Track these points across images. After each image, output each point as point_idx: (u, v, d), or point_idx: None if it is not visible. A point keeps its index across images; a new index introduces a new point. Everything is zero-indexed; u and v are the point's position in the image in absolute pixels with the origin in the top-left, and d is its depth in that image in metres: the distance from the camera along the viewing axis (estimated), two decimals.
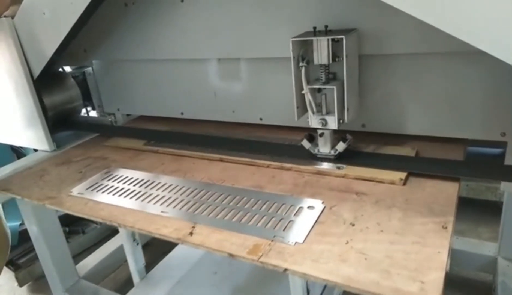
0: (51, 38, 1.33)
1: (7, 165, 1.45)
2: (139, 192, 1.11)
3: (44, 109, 1.48)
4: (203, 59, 1.40)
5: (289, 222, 0.89)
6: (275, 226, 0.88)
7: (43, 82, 1.48)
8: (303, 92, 1.04)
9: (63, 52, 1.42)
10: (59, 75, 1.72)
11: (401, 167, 1.02)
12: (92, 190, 1.15)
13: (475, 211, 2.14)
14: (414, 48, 1.04)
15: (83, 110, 1.86)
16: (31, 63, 1.40)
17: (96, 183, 1.19)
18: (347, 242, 0.78)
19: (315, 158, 1.12)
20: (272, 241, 0.82)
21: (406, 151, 1.12)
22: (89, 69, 1.72)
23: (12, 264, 2.03)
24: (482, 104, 1.04)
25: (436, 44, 1.00)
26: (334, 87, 1.00)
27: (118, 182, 1.18)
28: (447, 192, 0.91)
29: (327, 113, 1.06)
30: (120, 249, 1.80)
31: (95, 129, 1.65)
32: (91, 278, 1.72)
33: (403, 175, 0.98)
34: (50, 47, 1.34)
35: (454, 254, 1.56)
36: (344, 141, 1.07)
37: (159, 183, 1.14)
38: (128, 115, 1.76)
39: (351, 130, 1.20)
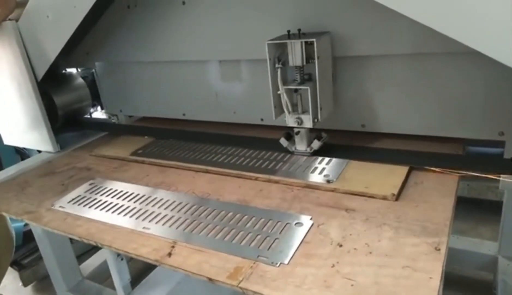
0: (54, 40, 1.34)
1: (11, 166, 1.46)
2: (122, 205, 1.07)
3: (54, 109, 1.52)
4: (204, 60, 1.40)
5: (275, 240, 0.84)
6: (260, 245, 0.83)
7: (53, 82, 1.49)
8: (279, 92, 1.08)
9: (66, 54, 1.42)
10: (69, 76, 1.74)
11: (400, 161, 1.04)
12: (74, 204, 1.11)
13: (475, 210, 2.12)
14: (404, 49, 1.05)
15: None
16: (35, 66, 1.41)
17: (79, 196, 1.15)
18: (333, 265, 0.73)
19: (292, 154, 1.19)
20: (255, 262, 0.77)
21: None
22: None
23: (17, 264, 2.03)
24: (480, 103, 1.03)
25: (431, 45, 1.00)
26: (308, 88, 1.05)
27: (102, 195, 1.14)
28: (441, 208, 0.86)
29: (303, 112, 1.11)
30: None
31: (102, 128, 1.67)
32: (94, 278, 1.71)
33: (395, 189, 0.93)
34: (53, 49, 1.35)
35: (454, 253, 1.56)
36: (319, 139, 1.13)
37: (143, 196, 1.10)
38: (130, 116, 1.77)
39: (351, 131, 1.22)
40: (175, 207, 1.02)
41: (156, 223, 0.97)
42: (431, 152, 1.09)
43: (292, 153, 1.18)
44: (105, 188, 1.18)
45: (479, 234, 1.98)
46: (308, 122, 1.09)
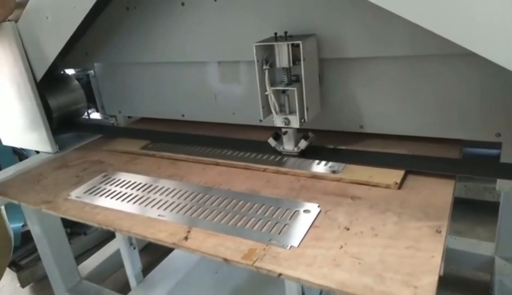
0: (54, 41, 1.35)
1: (9, 167, 1.46)
2: (137, 195, 1.12)
3: (49, 111, 1.50)
4: (203, 62, 1.41)
5: (285, 225, 0.89)
6: (271, 230, 0.88)
7: (48, 84, 1.49)
8: (266, 93, 1.10)
9: (65, 55, 1.41)
10: (64, 78, 1.74)
11: (398, 165, 1.04)
12: (90, 194, 1.16)
13: (473, 212, 2.16)
14: (394, 51, 1.06)
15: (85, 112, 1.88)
16: (34, 66, 1.41)
17: (94, 186, 1.20)
18: (341, 247, 0.78)
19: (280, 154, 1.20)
20: (267, 245, 0.82)
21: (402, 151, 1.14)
22: (92, 71, 1.73)
23: (15, 265, 2.05)
24: (477, 105, 1.05)
25: (424, 47, 1.02)
26: (295, 89, 1.07)
27: (116, 186, 1.19)
28: (442, 195, 0.91)
29: (290, 113, 1.13)
30: None
31: (98, 131, 1.68)
32: (93, 279, 1.74)
33: (398, 178, 0.98)
34: (52, 50, 1.36)
35: (452, 254, 1.59)
36: (306, 139, 1.14)
37: (156, 186, 1.15)
38: (129, 117, 1.78)
39: (349, 132, 1.24)
40: (188, 196, 1.07)
41: (171, 211, 1.01)
42: (428, 155, 1.08)
43: (280, 153, 1.19)
44: (119, 179, 1.23)
45: (476, 234, 2.02)
46: (295, 122, 1.11)
